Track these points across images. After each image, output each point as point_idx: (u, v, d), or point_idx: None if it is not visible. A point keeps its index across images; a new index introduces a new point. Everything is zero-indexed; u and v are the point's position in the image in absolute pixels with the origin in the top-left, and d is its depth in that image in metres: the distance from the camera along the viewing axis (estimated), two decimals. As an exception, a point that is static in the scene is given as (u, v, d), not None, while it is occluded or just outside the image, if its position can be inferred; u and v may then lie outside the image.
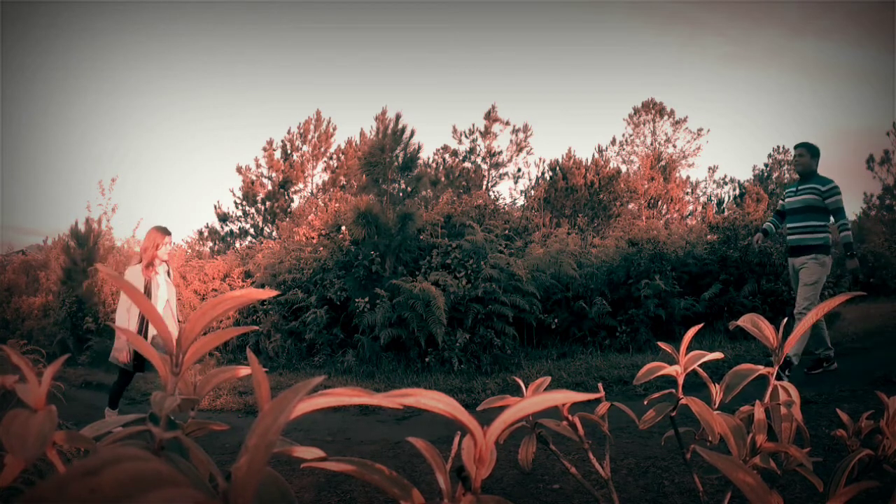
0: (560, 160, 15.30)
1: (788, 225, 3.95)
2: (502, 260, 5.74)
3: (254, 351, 6.22)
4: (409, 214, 6.32)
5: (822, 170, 3.90)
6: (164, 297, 3.57)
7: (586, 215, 13.07)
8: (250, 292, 0.40)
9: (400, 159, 6.57)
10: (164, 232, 3.57)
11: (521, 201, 15.70)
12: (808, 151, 3.89)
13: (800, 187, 3.91)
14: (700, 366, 0.67)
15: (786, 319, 0.64)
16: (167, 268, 3.65)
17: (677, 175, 16.82)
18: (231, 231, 15.74)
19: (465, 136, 16.99)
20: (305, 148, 16.13)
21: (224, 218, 15.73)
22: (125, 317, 3.42)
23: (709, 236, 7.37)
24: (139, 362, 3.48)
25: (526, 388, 0.73)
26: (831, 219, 3.83)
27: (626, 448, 2.50)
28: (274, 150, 15.86)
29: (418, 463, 2.46)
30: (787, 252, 3.97)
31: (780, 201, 4.20)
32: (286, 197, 15.58)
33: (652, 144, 18.75)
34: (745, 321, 0.62)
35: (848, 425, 0.70)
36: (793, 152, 4.46)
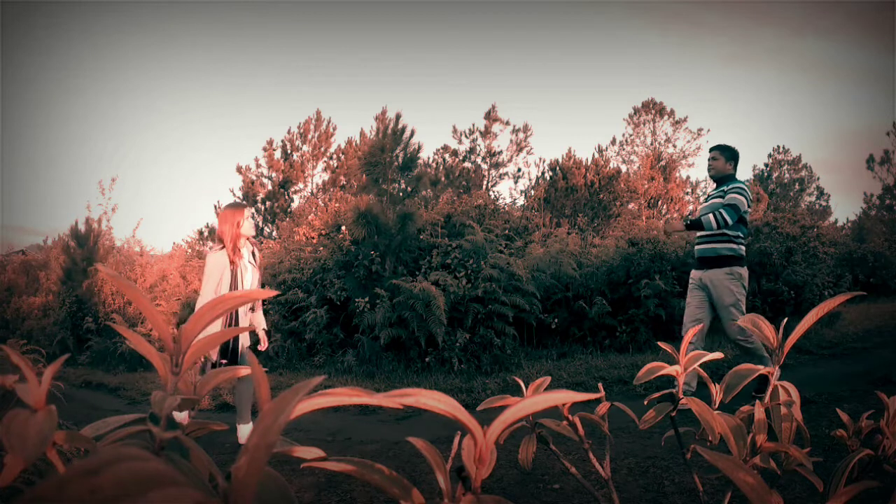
0: (560, 160, 15.30)
1: (697, 234, 3.54)
2: (502, 260, 5.74)
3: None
4: (409, 214, 6.32)
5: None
6: (253, 286, 3.08)
7: (586, 215, 13.07)
8: (250, 292, 0.40)
9: (400, 159, 6.57)
10: (240, 206, 3.06)
11: (521, 201, 15.70)
12: (722, 154, 3.52)
13: (712, 193, 3.55)
14: (700, 366, 0.67)
15: (786, 319, 0.64)
16: (251, 248, 3.16)
17: (677, 175, 16.82)
18: (231, 231, 15.72)
19: (465, 136, 16.99)
20: (305, 148, 16.14)
21: (224, 218, 15.72)
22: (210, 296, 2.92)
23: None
24: (231, 354, 3.00)
25: (526, 387, 0.73)
26: (745, 229, 3.42)
27: (626, 448, 2.50)
28: (274, 149, 15.87)
29: (418, 463, 2.46)
30: (695, 264, 3.53)
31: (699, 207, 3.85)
32: (286, 197, 15.59)
33: (652, 144, 18.75)
34: (746, 321, 0.62)
35: (848, 425, 0.70)
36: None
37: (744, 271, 3.37)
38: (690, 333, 0.71)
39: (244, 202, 3.15)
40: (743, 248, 3.41)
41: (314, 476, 2.27)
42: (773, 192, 20.26)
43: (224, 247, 2.97)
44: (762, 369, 0.60)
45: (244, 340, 3.09)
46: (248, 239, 3.06)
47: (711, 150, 3.57)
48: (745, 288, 3.37)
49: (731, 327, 3.30)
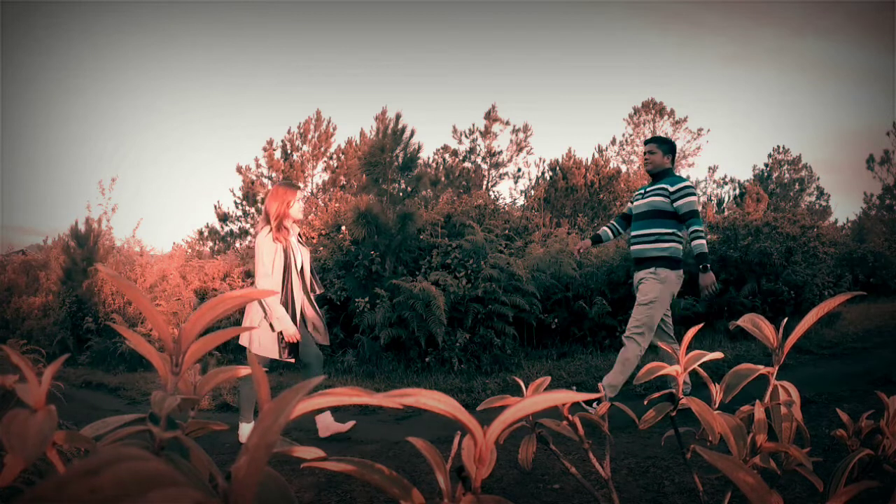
0: (560, 160, 15.31)
1: (632, 232, 3.31)
2: (502, 260, 5.74)
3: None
4: (409, 214, 6.32)
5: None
6: (307, 267, 3.01)
7: (586, 215, 13.07)
8: (250, 292, 0.40)
9: (400, 159, 6.57)
10: (294, 187, 2.96)
11: (521, 201, 15.71)
12: (660, 147, 3.27)
13: (648, 189, 3.28)
14: (700, 365, 0.67)
15: (786, 319, 0.64)
16: (298, 230, 3.06)
17: (677, 175, 16.81)
18: (231, 231, 15.74)
19: (465, 136, 17.00)
20: (305, 148, 16.14)
21: (224, 218, 15.74)
22: (268, 285, 2.83)
23: (709, 236, 7.37)
24: (293, 348, 2.88)
25: (526, 387, 0.73)
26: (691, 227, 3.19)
27: (626, 448, 2.50)
28: (274, 149, 15.87)
29: (418, 463, 2.46)
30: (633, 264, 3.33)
31: (629, 203, 3.53)
32: (286, 197, 15.57)
33: (652, 144, 18.74)
34: (746, 321, 0.62)
35: (848, 425, 0.70)
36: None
37: (673, 274, 3.10)
38: (690, 333, 0.71)
39: (298, 184, 3.05)
40: (678, 247, 3.16)
41: (314, 476, 2.27)
42: (773, 192, 20.26)
43: (270, 228, 2.87)
44: (762, 369, 0.60)
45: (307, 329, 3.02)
46: (294, 222, 2.98)
47: (647, 142, 3.34)
48: (669, 294, 3.10)
49: (630, 325, 3.11)
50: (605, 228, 3.53)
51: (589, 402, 3.01)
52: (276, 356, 2.83)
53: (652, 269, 3.10)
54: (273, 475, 0.33)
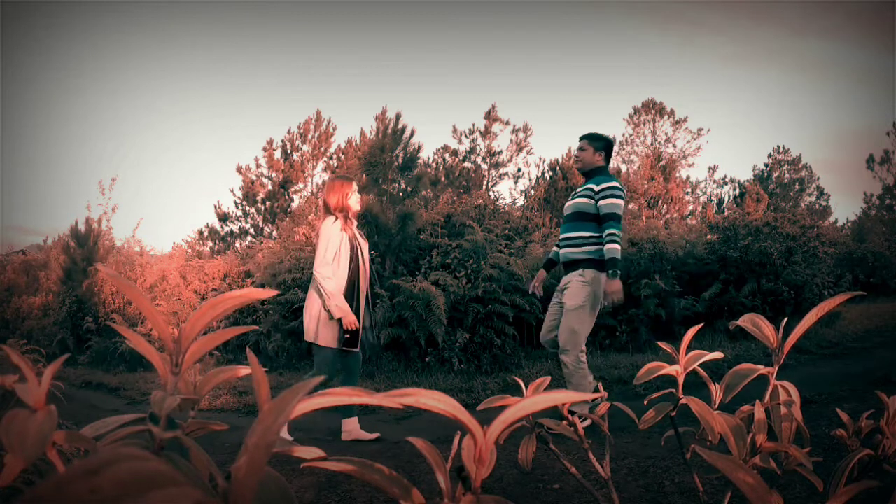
0: (560, 160, 15.31)
1: (561, 235, 3.12)
2: (502, 260, 5.75)
3: (254, 351, 6.22)
4: (409, 214, 6.32)
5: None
6: (366, 258, 3.02)
7: (586, 215, 13.03)
8: (250, 292, 0.40)
9: (400, 159, 6.58)
10: (349, 179, 3.02)
11: (521, 201, 15.70)
12: (591, 144, 3.05)
13: (577, 189, 3.09)
14: (700, 365, 0.67)
15: (786, 319, 0.64)
16: (355, 223, 3.08)
17: (677, 175, 16.83)
18: (231, 231, 15.74)
19: (465, 136, 17.00)
20: (305, 148, 16.14)
21: (224, 218, 15.73)
22: (329, 272, 2.81)
23: (709, 236, 7.37)
24: (352, 336, 2.84)
25: (526, 387, 0.73)
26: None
27: (626, 448, 2.50)
28: (274, 149, 15.87)
29: (418, 463, 2.46)
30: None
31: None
32: (286, 197, 15.59)
33: (652, 144, 18.76)
34: (746, 321, 0.62)
35: (848, 425, 0.70)
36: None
37: (599, 276, 2.93)
38: (690, 333, 0.71)
39: (351, 176, 3.09)
40: (602, 249, 2.97)
41: (314, 476, 2.27)
42: (773, 192, 20.26)
43: (336, 217, 2.90)
44: (762, 369, 0.60)
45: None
46: (352, 214, 3.00)
47: (580, 139, 3.11)
48: (598, 297, 2.93)
49: (563, 335, 2.92)
50: (555, 248, 3.28)
51: (572, 412, 2.90)
52: (334, 345, 2.84)
53: (580, 272, 2.94)
54: (273, 475, 0.33)
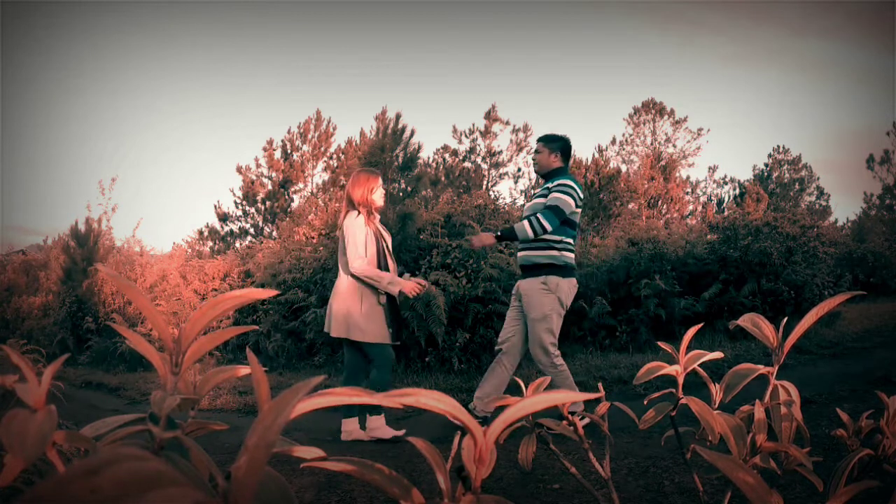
0: (560, 160, 15.29)
1: (520, 241, 3.02)
2: (502, 260, 5.74)
3: (254, 350, 6.22)
4: (409, 214, 6.32)
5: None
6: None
7: (586, 215, 13.07)
8: (250, 292, 0.40)
9: (400, 159, 6.58)
10: (375, 173, 2.96)
11: (521, 201, 15.70)
12: (547, 146, 2.99)
13: (536, 192, 3.01)
14: (700, 365, 0.67)
15: (786, 319, 0.64)
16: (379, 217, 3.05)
17: (677, 175, 16.83)
18: (231, 231, 15.74)
19: (465, 136, 17.00)
20: (305, 148, 16.14)
21: (224, 218, 15.73)
22: (365, 262, 2.82)
23: (709, 236, 7.37)
24: (397, 330, 2.87)
25: (526, 387, 0.73)
26: (572, 232, 2.93)
27: (626, 448, 2.50)
28: (274, 149, 15.87)
29: (418, 463, 2.46)
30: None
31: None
32: (286, 197, 15.59)
33: (652, 144, 18.77)
34: (746, 321, 0.62)
35: (848, 425, 0.70)
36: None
37: (564, 282, 2.86)
38: (690, 333, 0.71)
39: (377, 170, 3.05)
40: (568, 255, 2.91)
41: (314, 476, 2.27)
42: (773, 192, 20.27)
43: (358, 212, 2.88)
44: (762, 369, 0.60)
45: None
46: (376, 209, 2.96)
47: (537, 141, 3.07)
48: (563, 303, 2.88)
49: (534, 348, 2.89)
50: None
51: (572, 412, 2.88)
52: (387, 340, 2.83)
53: (541, 279, 2.84)
54: (273, 475, 0.33)
